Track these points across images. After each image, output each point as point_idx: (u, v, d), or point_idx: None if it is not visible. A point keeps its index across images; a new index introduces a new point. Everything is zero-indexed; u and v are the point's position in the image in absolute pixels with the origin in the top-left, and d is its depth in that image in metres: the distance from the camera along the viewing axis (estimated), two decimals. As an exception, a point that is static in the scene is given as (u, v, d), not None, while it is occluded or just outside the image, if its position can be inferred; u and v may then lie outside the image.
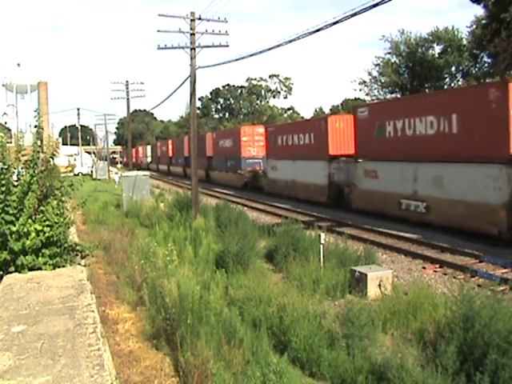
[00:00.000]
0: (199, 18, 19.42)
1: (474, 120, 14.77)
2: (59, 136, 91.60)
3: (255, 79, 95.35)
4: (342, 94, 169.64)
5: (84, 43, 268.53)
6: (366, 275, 10.35)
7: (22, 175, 6.41)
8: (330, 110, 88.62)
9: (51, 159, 6.43)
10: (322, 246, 12.06)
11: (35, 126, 6.72)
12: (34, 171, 6.26)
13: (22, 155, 6.50)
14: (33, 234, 5.79)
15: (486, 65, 44.06)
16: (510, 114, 14.08)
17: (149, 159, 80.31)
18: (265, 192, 32.48)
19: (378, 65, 50.31)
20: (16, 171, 6.41)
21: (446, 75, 48.07)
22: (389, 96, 48.63)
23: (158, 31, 19.39)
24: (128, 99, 42.32)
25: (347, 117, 25.86)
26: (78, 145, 71.09)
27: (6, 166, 6.19)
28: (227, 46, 19.56)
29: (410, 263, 13.47)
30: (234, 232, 14.38)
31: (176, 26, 20.45)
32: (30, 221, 5.87)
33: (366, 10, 11.87)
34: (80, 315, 4.17)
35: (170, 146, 63.14)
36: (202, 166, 45.08)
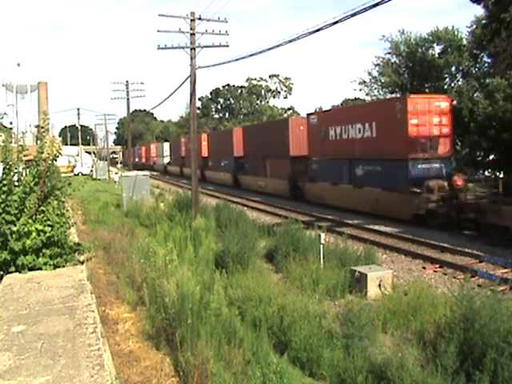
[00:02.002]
0: (199, 18, 19.43)
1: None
2: (59, 136, 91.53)
3: (255, 79, 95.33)
4: (342, 94, 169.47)
5: (84, 43, 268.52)
6: (365, 275, 10.35)
7: (22, 175, 6.42)
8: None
9: (54, 160, 6.43)
10: (322, 245, 12.06)
11: (36, 126, 6.73)
12: (35, 171, 6.27)
13: (24, 155, 6.50)
14: (33, 234, 5.79)
15: (486, 65, 44.06)
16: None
17: (166, 160, 64.84)
18: None
19: (378, 65, 50.27)
20: (17, 171, 6.41)
21: (446, 75, 48.06)
22: (389, 96, 48.58)
23: (158, 31, 19.42)
24: (128, 99, 42.31)
25: None
26: (78, 145, 71.13)
27: (7, 166, 6.19)
28: (227, 46, 19.58)
29: (409, 263, 13.48)
30: (234, 232, 14.38)
31: (176, 26, 20.50)
32: (30, 221, 5.87)
33: (365, 9, 11.89)
34: (80, 315, 4.17)
35: (205, 143, 45.98)
36: (278, 172, 30.02)
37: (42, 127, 6.71)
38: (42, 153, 6.39)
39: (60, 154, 6.49)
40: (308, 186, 26.76)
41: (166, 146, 66.01)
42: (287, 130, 28.68)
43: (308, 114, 28.12)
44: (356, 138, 22.10)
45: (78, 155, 67.43)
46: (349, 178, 22.66)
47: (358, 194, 21.64)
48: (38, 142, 6.54)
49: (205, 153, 45.44)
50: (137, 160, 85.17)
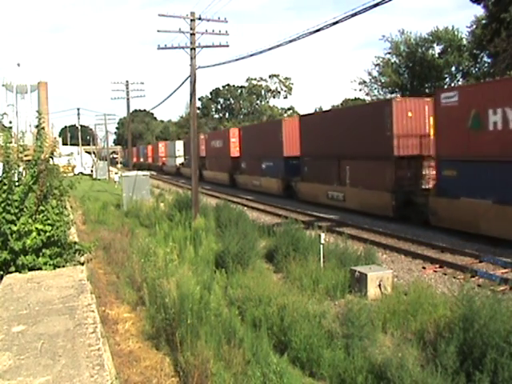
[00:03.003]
0: (199, 18, 19.43)
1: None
2: (59, 136, 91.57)
3: (255, 79, 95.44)
4: (342, 94, 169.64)
5: (84, 43, 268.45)
6: (366, 275, 10.35)
7: (23, 175, 6.43)
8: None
9: (51, 159, 6.44)
10: (322, 245, 12.06)
11: (36, 126, 6.74)
12: (34, 171, 6.27)
13: (25, 155, 6.51)
14: (33, 234, 5.79)
15: (486, 65, 44.09)
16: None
17: (179, 160, 56.93)
18: None
19: (378, 65, 50.38)
20: (17, 171, 6.42)
21: (446, 75, 48.09)
22: (389, 96, 48.62)
23: (158, 31, 19.40)
24: (128, 99, 42.28)
25: None
26: (78, 145, 71.10)
27: (8, 166, 6.20)
28: (227, 46, 19.58)
29: (410, 263, 13.47)
30: (234, 232, 14.38)
31: (176, 26, 20.50)
32: (30, 220, 5.88)
33: (366, 9, 11.87)
34: (80, 315, 4.17)
35: (234, 140, 37.57)
36: (368, 180, 20.79)
37: (37, 126, 6.72)
38: (41, 152, 6.40)
39: (56, 151, 6.50)
40: (440, 204, 17.16)
41: (179, 144, 57.27)
42: (389, 118, 19.51)
43: (440, 91, 18.50)
44: None
45: (78, 154, 67.33)
46: None
47: None
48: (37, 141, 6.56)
49: (234, 152, 37.18)
50: (142, 160, 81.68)
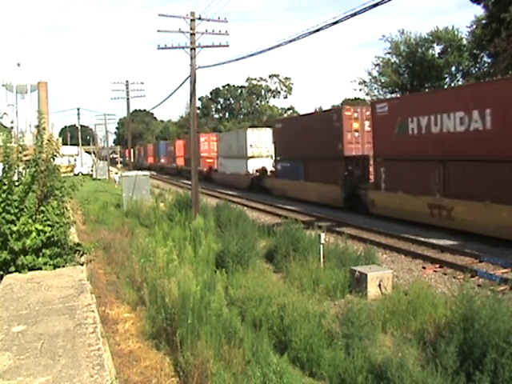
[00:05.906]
0: (199, 18, 19.44)
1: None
2: (59, 136, 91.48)
3: (255, 79, 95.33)
4: (342, 94, 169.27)
5: (84, 43, 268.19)
6: (366, 275, 10.35)
7: (23, 175, 6.43)
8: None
9: (52, 159, 6.44)
10: (321, 245, 12.06)
11: (36, 126, 6.74)
12: (35, 171, 6.27)
13: (24, 155, 6.51)
14: (33, 234, 5.79)
15: (486, 65, 44.08)
16: None
17: (254, 164, 33.97)
18: None
19: (377, 65, 50.35)
20: (17, 171, 6.41)
21: (446, 75, 48.09)
22: (389, 96, 48.60)
23: (158, 31, 19.43)
24: (128, 99, 42.28)
25: None
26: (78, 145, 71.08)
27: (8, 166, 6.20)
28: (227, 45, 19.59)
29: (409, 263, 13.47)
30: (234, 232, 14.38)
31: (176, 26, 20.53)
32: (30, 220, 5.87)
33: (365, 9, 11.87)
34: (80, 315, 4.17)
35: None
36: None
37: (38, 126, 6.72)
38: (41, 152, 6.39)
39: (58, 153, 6.49)
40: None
41: (260, 134, 34.49)
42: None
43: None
44: None
45: (77, 154, 67.31)
46: None
47: None
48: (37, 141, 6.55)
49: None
50: (163, 161, 63.85)
